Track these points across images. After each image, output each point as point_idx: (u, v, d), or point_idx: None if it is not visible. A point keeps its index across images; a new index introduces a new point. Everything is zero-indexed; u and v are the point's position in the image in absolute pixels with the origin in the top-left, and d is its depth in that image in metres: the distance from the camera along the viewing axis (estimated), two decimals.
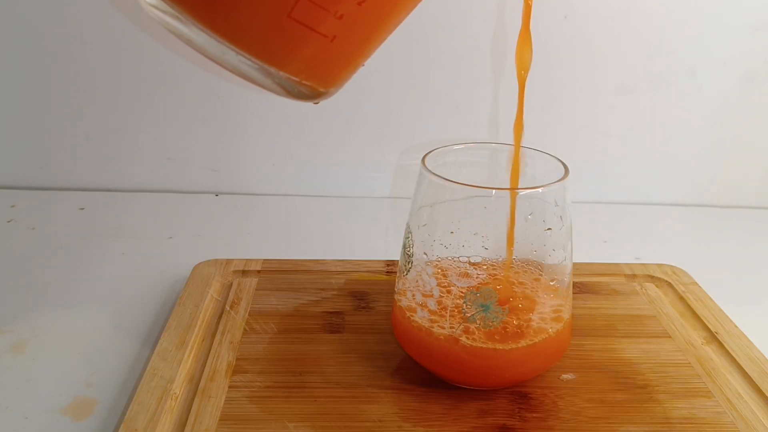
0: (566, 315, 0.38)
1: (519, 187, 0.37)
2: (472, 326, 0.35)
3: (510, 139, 0.38)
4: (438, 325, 0.36)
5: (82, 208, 0.64)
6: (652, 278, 0.50)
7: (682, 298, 0.47)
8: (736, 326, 0.44)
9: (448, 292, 0.35)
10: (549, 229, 0.37)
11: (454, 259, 0.38)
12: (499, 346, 0.35)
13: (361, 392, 0.38)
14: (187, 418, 0.35)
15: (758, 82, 0.65)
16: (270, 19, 0.30)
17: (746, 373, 0.40)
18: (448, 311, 0.35)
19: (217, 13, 0.30)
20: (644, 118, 0.66)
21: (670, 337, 0.43)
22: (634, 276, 0.50)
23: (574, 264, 0.38)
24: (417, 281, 0.37)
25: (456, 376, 0.37)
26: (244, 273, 0.49)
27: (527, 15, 0.36)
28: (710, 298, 0.47)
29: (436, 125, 0.66)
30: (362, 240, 0.60)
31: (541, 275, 0.38)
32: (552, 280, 0.37)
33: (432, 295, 0.36)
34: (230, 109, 0.66)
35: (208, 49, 0.31)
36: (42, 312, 0.47)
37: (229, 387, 0.38)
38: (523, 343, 0.36)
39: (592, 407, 0.37)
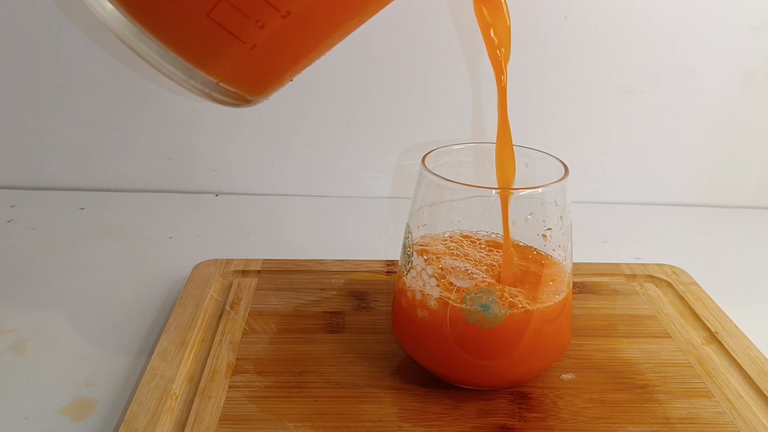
0: (566, 315, 0.38)
1: (519, 187, 0.37)
2: (473, 325, 0.35)
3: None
4: (438, 325, 0.36)
5: (82, 208, 0.64)
6: (652, 278, 0.50)
7: (682, 298, 0.47)
8: (736, 326, 0.44)
9: (448, 291, 0.35)
10: (549, 229, 0.37)
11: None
12: (499, 346, 0.35)
13: (361, 392, 0.38)
14: (187, 418, 0.35)
15: (758, 82, 0.65)
16: (190, 16, 0.30)
17: (746, 373, 0.40)
18: (448, 311, 0.35)
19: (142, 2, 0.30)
20: (644, 118, 0.66)
21: (670, 337, 0.43)
22: (634, 276, 0.50)
23: (574, 264, 0.38)
24: (417, 281, 0.37)
25: (456, 375, 0.37)
26: (244, 273, 0.49)
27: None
28: (710, 298, 0.47)
29: (436, 125, 0.66)
30: (362, 240, 0.60)
31: (541, 274, 0.38)
32: (552, 280, 0.37)
33: (432, 295, 0.36)
34: (230, 109, 0.66)
35: (132, 43, 0.31)
36: (42, 312, 0.47)
37: (229, 387, 0.38)
38: (522, 342, 0.36)
39: (592, 407, 0.37)
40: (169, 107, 0.65)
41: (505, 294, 0.35)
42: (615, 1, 0.62)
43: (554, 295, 0.36)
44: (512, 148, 0.37)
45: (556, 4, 0.62)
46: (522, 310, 0.35)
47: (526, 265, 0.38)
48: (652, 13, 0.62)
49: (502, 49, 0.36)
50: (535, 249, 0.38)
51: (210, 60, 0.31)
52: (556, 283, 0.37)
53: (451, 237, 0.39)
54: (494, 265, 0.37)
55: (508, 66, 0.36)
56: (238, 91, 0.33)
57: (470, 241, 0.39)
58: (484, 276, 0.36)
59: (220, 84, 0.32)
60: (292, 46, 0.32)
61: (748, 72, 0.64)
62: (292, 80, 0.34)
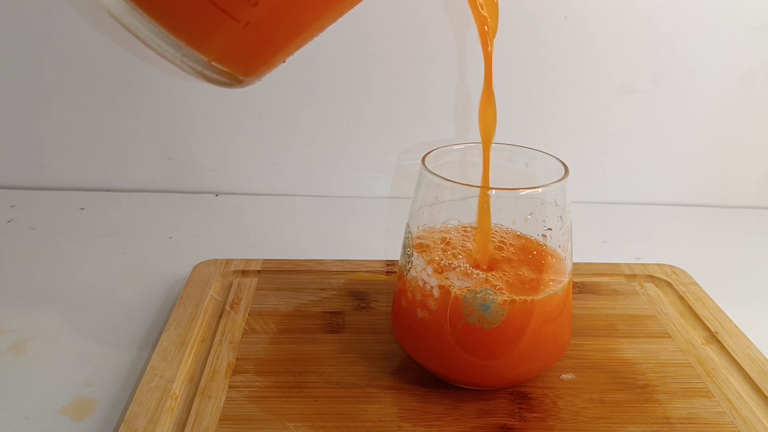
0: (566, 315, 0.38)
1: (518, 187, 0.37)
2: (473, 325, 0.35)
3: (508, 138, 0.38)
4: (438, 324, 0.36)
5: (82, 208, 0.64)
6: (652, 278, 0.50)
7: (682, 298, 0.47)
8: (736, 326, 0.44)
9: (448, 291, 0.35)
10: (549, 229, 0.37)
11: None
12: (499, 346, 0.35)
13: (361, 392, 0.38)
14: (187, 418, 0.35)
15: (758, 82, 0.65)
16: None
17: (746, 373, 0.40)
18: (448, 311, 0.35)
19: None
20: (644, 118, 0.66)
21: (670, 337, 0.43)
22: (634, 276, 0.50)
23: (574, 264, 0.38)
24: (417, 281, 0.37)
25: (456, 374, 0.37)
26: (244, 273, 0.49)
27: (489, 72, 0.36)
28: (710, 298, 0.47)
29: (436, 125, 0.66)
30: (362, 240, 0.60)
31: (541, 273, 0.38)
32: (552, 280, 0.37)
33: (432, 295, 0.36)
34: (230, 108, 0.66)
35: (125, 20, 0.30)
36: (42, 312, 0.47)
37: (229, 387, 0.38)
38: (523, 342, 0.36)
39: (592, 407, 0.37)
40: (169, 107, 0.65)
41: (506, 293, 0.35)
42: (615, 1, 0.62)
43: (554, 295, 0.36)
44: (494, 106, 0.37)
45: (556, 4, 0.62)
46: (522, 309, 0.35)
47: (527, 265, 0.38)
48: (652, 13, 0.62)
49: (490, 22, 0.36)
50: (537, 243, 0.38)
51: (202, 38, 0.31)
52: (556, 282, 0.37)
53: (447, 229, 0.39)
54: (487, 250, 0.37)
55: (494, 40, 0.36)
56: (230, 71, 0.33)
57: (468, 234, 0.39)
58: (484, 275, 0.36)
59: (213, 63, 0.32)
60: (285, 26, 0.32)
61: (748, 72, 0.64)
62: (284, 61, 0.34)
